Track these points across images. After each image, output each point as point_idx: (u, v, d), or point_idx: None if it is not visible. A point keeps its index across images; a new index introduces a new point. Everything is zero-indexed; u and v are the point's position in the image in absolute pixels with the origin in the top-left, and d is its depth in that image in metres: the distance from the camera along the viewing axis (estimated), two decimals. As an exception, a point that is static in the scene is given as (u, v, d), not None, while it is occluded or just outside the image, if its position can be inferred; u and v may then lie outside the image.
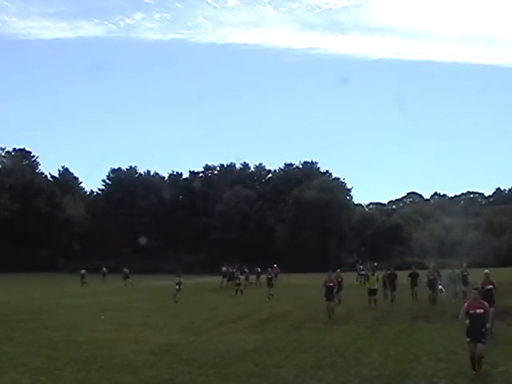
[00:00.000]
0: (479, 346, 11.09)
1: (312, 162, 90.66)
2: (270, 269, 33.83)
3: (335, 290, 22.19)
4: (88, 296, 35.08)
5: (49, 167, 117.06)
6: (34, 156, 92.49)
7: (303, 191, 79.08)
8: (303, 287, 37.79)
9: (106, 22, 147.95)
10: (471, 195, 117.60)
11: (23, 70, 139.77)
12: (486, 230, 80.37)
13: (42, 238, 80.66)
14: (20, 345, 15.85)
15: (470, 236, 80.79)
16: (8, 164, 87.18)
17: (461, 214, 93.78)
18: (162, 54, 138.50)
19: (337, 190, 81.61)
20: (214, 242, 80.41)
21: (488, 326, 11.56)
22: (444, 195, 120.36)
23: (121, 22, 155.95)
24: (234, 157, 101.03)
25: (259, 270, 42.21)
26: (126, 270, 49.83)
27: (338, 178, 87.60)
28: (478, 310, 11.28)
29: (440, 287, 26.35)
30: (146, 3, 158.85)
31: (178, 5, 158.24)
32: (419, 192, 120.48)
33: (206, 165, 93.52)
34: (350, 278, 37.90)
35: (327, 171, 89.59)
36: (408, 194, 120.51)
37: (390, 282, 26.97)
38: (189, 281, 32.70)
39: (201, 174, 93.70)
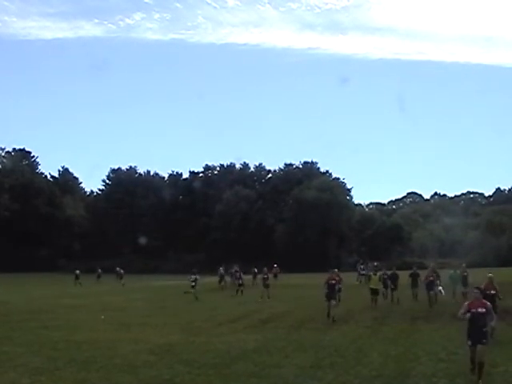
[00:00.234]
0: (479, 347, 10.62)
1: (312, 162, 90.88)
2: (265, 269, 33.50)
3: (337, 288, 21.97)
4: (88, 296, 35.07)
5: (49, 167, 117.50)
6: (33, 156, 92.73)
7: (303, 191, 79.12)
8: (303, 287, 37.78)
9: (105, 22, 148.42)
10: (471, 195, 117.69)
11: (23, 69, 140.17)
12: (485, 230, 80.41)
13: (42, 237, 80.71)
14: (20, 345, 15.83)
15: (470, 236, 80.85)
16: (8, 164, 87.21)
17: (461, 214, 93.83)
18: (161, 54, 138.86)
19: (337, 189, 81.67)
20: (214, 241, 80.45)
21: (488, 328, 11.07)
22: (444, 195, 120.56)
23: (121, 22, 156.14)
24: (233, 157, 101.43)
25: (256, 270, 42.03)
26: (119, 270, 49.76)
27: (338, 178, 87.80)
28: (479, 309, 10.81)
29: (440, 288, 26.30)
30: (146, 3, 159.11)
31: (178, 5, 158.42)
32: (419, 192, 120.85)
33: (206, 165, 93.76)
34: (350, 278, 37.91)
35: (327, 171, 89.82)
36: (408, 193, 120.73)
37: (392, 282, 26.96)
38: (188, 281, 32.56)
39: (201, 174, 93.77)
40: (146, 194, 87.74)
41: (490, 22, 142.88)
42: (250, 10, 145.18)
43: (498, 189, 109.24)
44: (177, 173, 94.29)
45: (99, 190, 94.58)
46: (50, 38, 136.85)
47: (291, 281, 44.18)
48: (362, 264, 44.34)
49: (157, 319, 21.79)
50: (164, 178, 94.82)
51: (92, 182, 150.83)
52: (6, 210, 78.05)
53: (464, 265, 28.99)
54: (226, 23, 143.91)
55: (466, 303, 11.41)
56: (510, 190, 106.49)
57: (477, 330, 10.78)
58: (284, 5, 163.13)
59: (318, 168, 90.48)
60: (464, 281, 26.16)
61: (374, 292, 25.68)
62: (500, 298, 16.58)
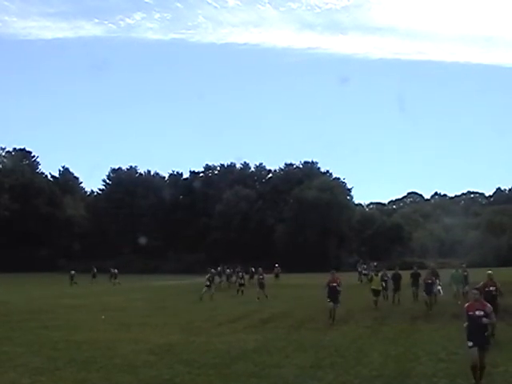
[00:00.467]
0: (480, 351, 10.37)
1: (312, 161, 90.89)
2: (260, 269, 33.40)
3: (339, 290, 21.60)
4: (88, 296, 35.06)
5: (49, 167, 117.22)
6: (34, 156, 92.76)
7: (303, 191, 79.11)
8: (303, 287, 37.79)
9: (106, 22, 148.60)
10: (471, 195, 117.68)
11: (23, 69, 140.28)
12: (486, 229, 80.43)
13: (42, 238, 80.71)
14: (20, 345, 15.83)
15: (470, 236, 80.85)
16: (8, 164, 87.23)
17: (461, 214, 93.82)
18: (162, 54, 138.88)
19: (337, 189, 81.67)
20: (214, 242, 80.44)
21: (489, 328, 10.84)
22: (444, 195, 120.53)
23: (121, 22, 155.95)
24: (234, 157, 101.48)
25: (253, 269, 41.95)
26: (114, 270, 49.65)
27: (338, 178, 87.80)
28: (477, 312, 10.49)
29: (438, 288, 26.26)
30: (146, 3, 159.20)
31: (179, 5, 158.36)
32: (419, 192, 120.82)
33: (206, 165, 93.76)
34: (350, 278, 37.93)
35: (327, 171, 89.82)
36: (408, 193, 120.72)
37: (395, 282, 26.91)
38: (188, 281, 32.56)
39: (201, 174, 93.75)
40: (146, 194, 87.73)
41: (490, 22, 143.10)
42: (250, 9, 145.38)
43: (499, 189, 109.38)
44: (177, 173, 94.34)
45: (99, 189, 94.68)
46: (50, 37, 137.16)
47: (291, 281, 44.19)
48: (363, 264, 44.34)
49: (157, 319, 21.79)
50: (164, 177, 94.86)
51: (92, 181, 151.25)
52: (6, 210, 78.05)
53: (464, 265, 29.02)
54: (226, 23, 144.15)
55: (465, 306, 11.19)
56: (510, 189, 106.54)
57: (477, 334, 10.54)
58: (284, 5, 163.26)
59: (319, 168, 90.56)
60: (464, 280, 26.20)
61: (376, 293, 25.68)
62: (501, 293, 16.49)
